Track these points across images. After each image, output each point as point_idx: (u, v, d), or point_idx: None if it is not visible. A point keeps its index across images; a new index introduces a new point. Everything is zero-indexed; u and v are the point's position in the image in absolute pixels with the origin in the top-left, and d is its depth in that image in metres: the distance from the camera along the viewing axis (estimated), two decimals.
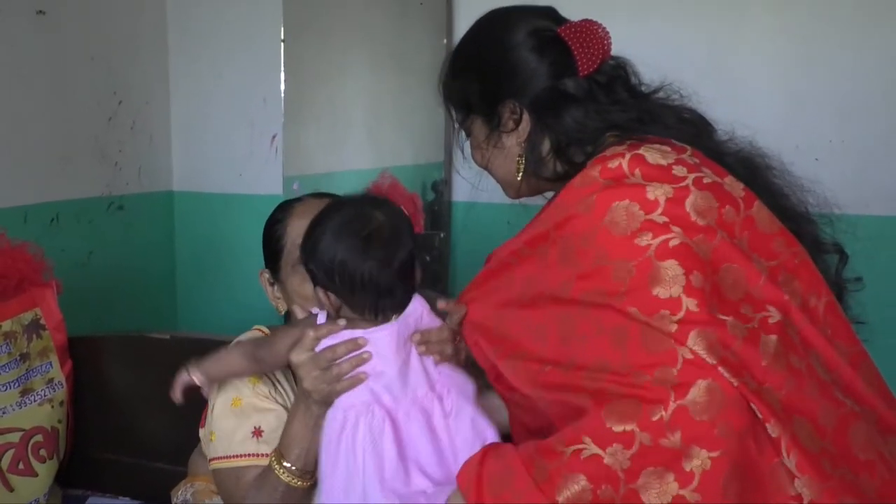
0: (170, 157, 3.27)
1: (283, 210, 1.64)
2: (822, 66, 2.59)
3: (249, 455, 1.52)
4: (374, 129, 3.03)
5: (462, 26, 2.89)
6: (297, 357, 1.37)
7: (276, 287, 1.63)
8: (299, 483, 1.43)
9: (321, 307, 1.40)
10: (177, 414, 1.85)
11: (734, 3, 2.65)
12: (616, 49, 2.75)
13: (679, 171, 1.27)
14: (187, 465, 1.81)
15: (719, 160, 1.36)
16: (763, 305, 1.20)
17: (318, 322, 1.38)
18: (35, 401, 2.06)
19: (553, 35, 1.36)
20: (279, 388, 1.59)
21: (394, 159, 3.01)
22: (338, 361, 1.35)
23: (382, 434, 1.33)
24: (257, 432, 1.53)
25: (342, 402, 1.36)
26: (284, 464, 1.43)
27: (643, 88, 1.41)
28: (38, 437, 2.05)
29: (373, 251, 1.33)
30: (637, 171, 1.26)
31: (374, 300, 1.36)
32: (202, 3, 3.17)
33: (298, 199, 1.65)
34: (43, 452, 2.05)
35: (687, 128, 1.39)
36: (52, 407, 2.09)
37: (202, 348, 1.70)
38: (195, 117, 3.25)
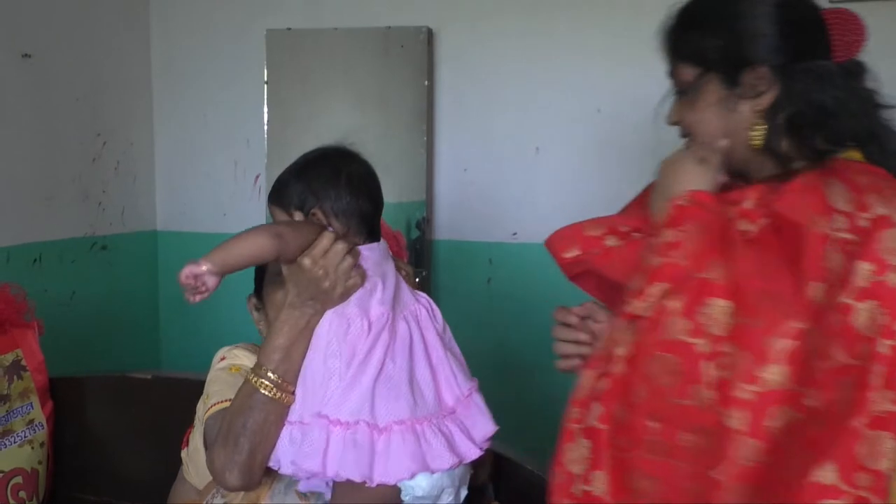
0: (153, 198, 3.29)
1: None
2: None
3: (225, 401, 1.49)
4: None
5: (443, 68, 2.96)
6: (313, 253, 1.40)
7: (261, 313, 1.66)
8: (279, 395, 1.39)
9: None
10: (158, 453, 1.87)
11: None
12: (592, 87, 2.82)
13: None
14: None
15: None
16: None
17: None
18: (15, 442, 2.05)
19: (813, 12, 1.29)
20: None
21: None
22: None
23: (394, 350, 1.41)
24: None
25: (345, 308, 1.41)
26: (267, 373, 1.40)
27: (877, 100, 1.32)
28: (18, 479, 2.04)
29: (360, 186, 1.50)
30: None
31: (366, 225, 1.49)
32: (186, 45, 3.21)
33: None
34: (22, 494, 2.04)
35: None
36: (33, 448, 2.08)
37: (184, 388, 1.72)
38: (179, 158, 3.27)
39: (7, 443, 2.03)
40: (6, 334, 2.08)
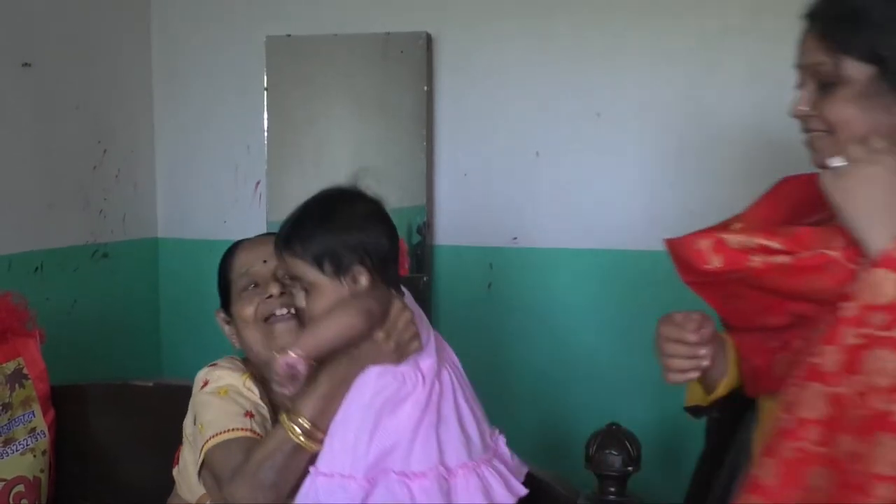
0: (154, 205, 3.29)
1: (231, 250, 1.74)
2: None
3: (245, 430, 1.53)
4: (358, 173, 3.05)
5: (442, 73, 2.96)
6: (387, 327, 1.42)
7: (230, 326, 1.71)
8: (308, 443, 1.42)
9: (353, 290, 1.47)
10: (160, 461, 1.87)
11: (707, 48, 2.70)
12: (592, 91, 2.83)
13: None
14: None
15: None
16: None
17: None
18: (17, 450, 2.05)
19: None
20: (264, 398, 1.62)
21: None
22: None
23: (443, 397, 1.45)
24: (249, 414, 1.56)
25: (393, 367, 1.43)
26: (298, 419, 1.42)
27: None
28: (20, 488, 2.04)
29: (386, 228, 1.52)
30: None
31: (394, 272, 1.51)
32: (187, 52, 3.22)
33: (245, 239, 1.76)
34: (25, 502, 2.04)
35: None
36: (35, 456, 2.08)
37: (186, 395, 1.72)
38: (180, 165, 3.28)
39: (9, 451, 2.04)
40: (8, 343, 2.09)
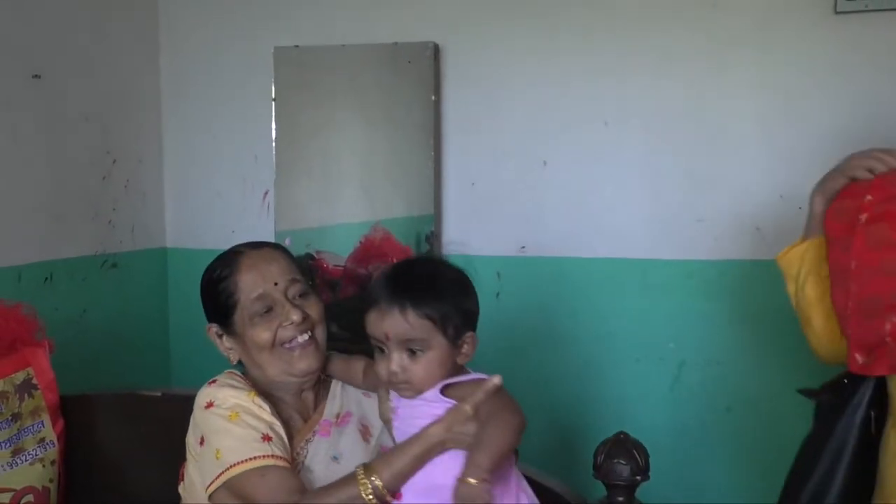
0: (163, 215, 3.30)
1: (227, 265, 1.69)
2: (802, 117, 2.64)
3: (266, 456, 1.53)
4: (365, 182, 3.07)
5: (450, 83, 2.97)
6: (465, 414, 1.45)
7: (224, 338, 1.71)
8: (375, 502, 1.45)
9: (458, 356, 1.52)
10: (169, 471, 1.87)
11: (713, 57, 2.70)
12: (600, 100, 2.84)
13: None
14: None
15: None
16: None
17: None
18: (26, 460, 2.05)
19: None
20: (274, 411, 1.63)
21: (386, 212, 3.04)
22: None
23: None
24: (267, 437, 1.56)
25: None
26: (372, 478, 1.45)
27: None
28: (29, 497, 2.04)
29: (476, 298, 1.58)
30: None
31: None
32: (195, 63, 3.23)
33: (240, 252, 1.71)
34: None
35: None
36: (44, 466, 2.09)
37: (193, 404, 1.72)
38: (188, 175, 3.29)
39: (19, 461, 2.04)
40: (17, 353, 2.10)
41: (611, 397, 2.83)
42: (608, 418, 2.71)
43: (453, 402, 1.48)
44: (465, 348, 1.52)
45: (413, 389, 1.50)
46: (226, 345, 1.71)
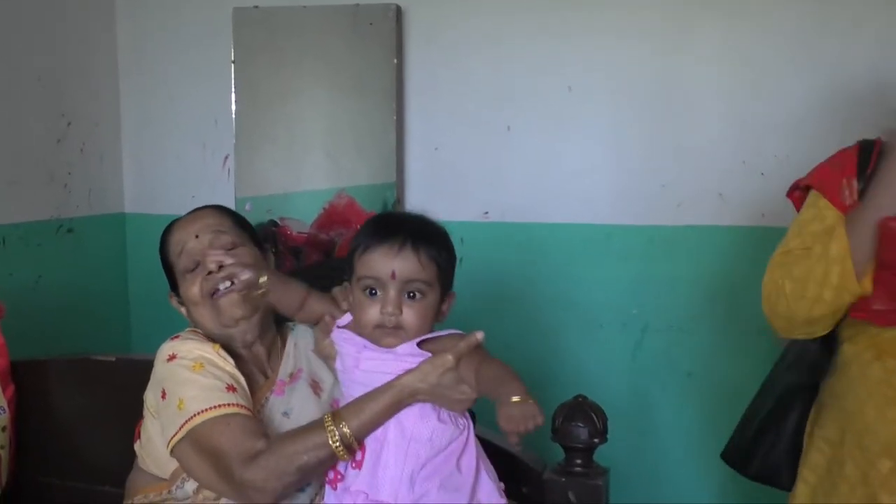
0: (121, 179, 3.24)
1: (166, 231, 1.77)
2: (766, 84, 2.64)
3: (233, 405, 1.52)
4: (329, 148, 3.03)
5: (412, 46, 2.93)
6: (446, 364, 1.44)
7: (183, 306, 1.73)
8: (342, 451, 1.44)
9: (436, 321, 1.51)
10: (123, 436, 1.84)
11: (679, 24, 2.69)
12: (564, 65, 2.82)
13: None
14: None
15: None
16: None
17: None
18: None
19: None
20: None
21: (350, 179, 3.01)
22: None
23: None
24: (231, 388, 1.56)
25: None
26: (340, 426, 1.44)
27: None
28: None
29: None
30: None
31: None
32: (152, 23, 3.16)
33: (178, 218, 1.78)
34: None
35: None
36: None
37: (149, 370, 1.70)
38: (146, 139, 3.23)
39: None
40: None
41: (573, 362, 2.83)
42: (569, 384, 2.70)
43: (429, 355, 1.46)
44: (445, 305, 1.52)
45: (399, 337, 1.47)
46: (187, 312, 1.72)
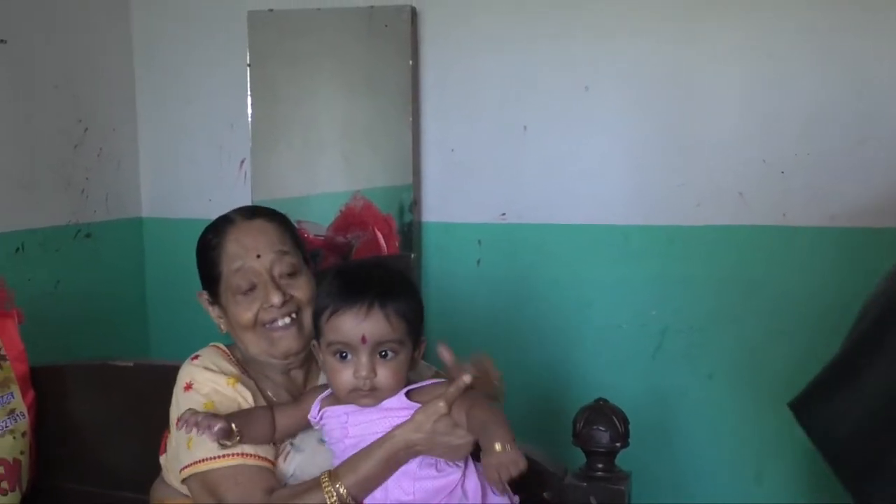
0: (138, 184, 3.25)
1: (216, 233, 1.64)
2: (785, 80, 2.60)
3: (236, 455, 1.49)
4: (345, 150, 3.02)
5: (427, 47, 2.92)
6: (439, 411, 1.41)
7: (214, 307, 1.66)
8: None
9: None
10: (142, 441, 1.84)
11: (696, 20, 2.66)
12: (580, 65, 2.80)
13: None
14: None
15: None
16: None
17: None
18: None
19: None
20: (258, 394, 1.60)
21: (367, 181, 3.00)
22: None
23: None
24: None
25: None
26: (336, 485, 1.41)
27: None
28: (0, 469, 2.01)
29: None
30: None
31: None
32: (168, 28, 3.17)
33: (231, 221, 1.64)
34: (5, 485, 2.01)
35: None
36: (15, 438, 2.05)
37: (167, 375, 1.69)
38: (163, 143, 3.23)
39: None
40: None
41: (592, 365, 2.81)
42: (589, 386, 2.69)
43: (418, 405, 1.44)
44: (417, 353, 1.50)
45: (376, 397, 1.45)
46: (216, 313, 1.66)
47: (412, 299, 1.46)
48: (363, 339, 1.41)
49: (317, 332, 1.48)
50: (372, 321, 1.41)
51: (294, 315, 1.59)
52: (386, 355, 1.43)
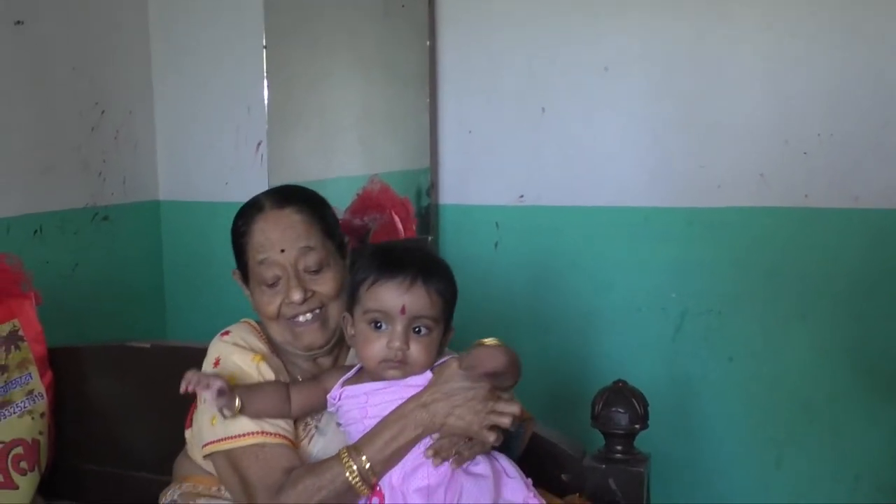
0: (155, 167, 3.25)
1: (246, 219, 1.64)
2: (809, 60, 2.56)
3: (257, 433, 1.50)
4: (362, 133, 3.01)
5: (445, 29, 2.89)
6: (451, 366, 1.42)
7: (246, 287, 1.67)
8: (359, 486, 1.41)
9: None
10: (159, 422, 1.85)
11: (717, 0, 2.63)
12: (599, 44, 2.77)
13: None
14: (172, 471, 1.78)
15: None
16: None
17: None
18: (14, 412, 2.03)
19: None
20: (284, 373, 1.61)
21: (383, 165, 2.99)
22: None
23: None
24: None
25: None
26: (359, 459, 1.41)
27: None
28: (19, 450, 2.02)
29: None
30: None
31: None
32: (184, 11, 3.16)
33: (260, 209, 1.64)
34: (24, 465, 2.02)
35: None
36: (33, 418, 2.06)
37: (183, 356, 1.70)
38: (180, 126, 3.23)
39: (6, 413, 2.03)
40: (2, 304, 2.07)
41: (611, 347, 2.79)
42: (608, 369, 2.67)
43: None
44: (446, 340, 1.50)
45: (405, 371, 1.45)
46: (248, 292, 1.67)
47: (451, 283, 1.49)
48: (402, 310, 1.42)
49: (352, 302, 1.48)
50: (413, 294, 1.42)
51: (318, 310, 1.59)
52: (420, 331, 1.44)
